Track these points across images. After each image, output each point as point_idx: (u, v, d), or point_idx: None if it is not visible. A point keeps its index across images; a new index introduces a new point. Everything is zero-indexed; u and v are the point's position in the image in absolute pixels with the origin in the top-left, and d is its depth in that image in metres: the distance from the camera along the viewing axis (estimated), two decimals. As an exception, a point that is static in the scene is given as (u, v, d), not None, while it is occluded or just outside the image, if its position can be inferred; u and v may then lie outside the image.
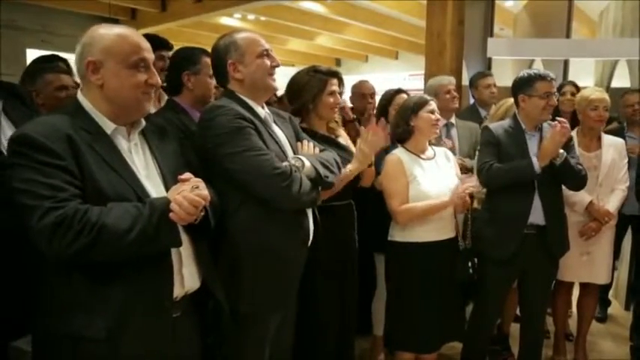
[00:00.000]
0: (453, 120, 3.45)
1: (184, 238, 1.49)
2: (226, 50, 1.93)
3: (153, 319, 1.46)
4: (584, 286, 3.24)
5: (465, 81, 4.22)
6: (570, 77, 4.77)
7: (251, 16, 8.01)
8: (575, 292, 3.37)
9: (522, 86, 2.70)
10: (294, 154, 2.03)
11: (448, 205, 2.46)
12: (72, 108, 1.51)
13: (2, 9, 5.55)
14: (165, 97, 2.56)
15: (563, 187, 2.79)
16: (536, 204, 2.66)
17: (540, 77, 2.65)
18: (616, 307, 4.19)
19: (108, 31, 1.49)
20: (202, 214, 1.50)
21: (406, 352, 2.61)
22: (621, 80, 5.40)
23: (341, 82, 2.48)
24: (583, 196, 2.95)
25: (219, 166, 1.80)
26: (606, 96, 3.04)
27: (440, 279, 2.51)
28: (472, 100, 4.13)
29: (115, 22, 7.15)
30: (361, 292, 2.72)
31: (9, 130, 1.97)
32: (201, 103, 2.37)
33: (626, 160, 3.10)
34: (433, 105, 2.55)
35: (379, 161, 2.59)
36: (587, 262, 3.06)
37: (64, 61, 2.76)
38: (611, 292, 4.11)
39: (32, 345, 1.59)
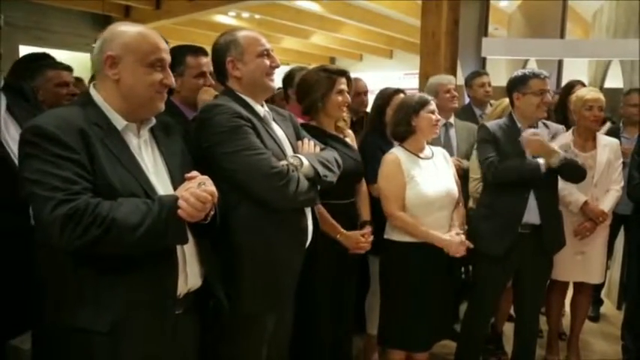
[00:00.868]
0: (451, 120, 3.45)
1: (189, 236, 1.50)
2: (226, 48, 1.93)
3: (156, 315, 1.48)
4: (577, 286, 3.25)
5: (460, 80, 4.22)
6: (564, 77, 4.79)
7: (246, 14, 7.99)
8: (568, 292, 3.38)
9: (517, 84, 2.73)
10: (294, 152, 2.02)
11: (444, 245, 2.44)
12: (84, 101, 1.52)
13: (-5, 6, 5.52)
14: None
15: (559, 187, 2.81)
16: (532, 203, 2.68)
17: (534, 75, 2.71)
18: (608, 307, 4.21)
19: (129, 29, 1.51)
20: (212, 212, 1.51)
21: (398, 350, 2.62)
22: (614, 80, 5.42)
23: (349, 82, 2.50)
24: (578, 196, 2.97)
25: (216, 165, 1.79)
26: (601, 96, 3.05)
27: (434, 279, 2.51)
28: (467, 100, 4.14)
29: (108, 19, 7.12)
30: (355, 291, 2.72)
31: (14, 129, 1.97)
32: (190, 103, 2.36)
33: (621, 161, 3.11)
34: (434, 105, 2.55)
35: (377, 163, 2.58)
36: (581, 262, 3.06)
37: (53, 59, 2.74)
38: (603, 292, 4.12)
39: (32, 341, 1.59)
